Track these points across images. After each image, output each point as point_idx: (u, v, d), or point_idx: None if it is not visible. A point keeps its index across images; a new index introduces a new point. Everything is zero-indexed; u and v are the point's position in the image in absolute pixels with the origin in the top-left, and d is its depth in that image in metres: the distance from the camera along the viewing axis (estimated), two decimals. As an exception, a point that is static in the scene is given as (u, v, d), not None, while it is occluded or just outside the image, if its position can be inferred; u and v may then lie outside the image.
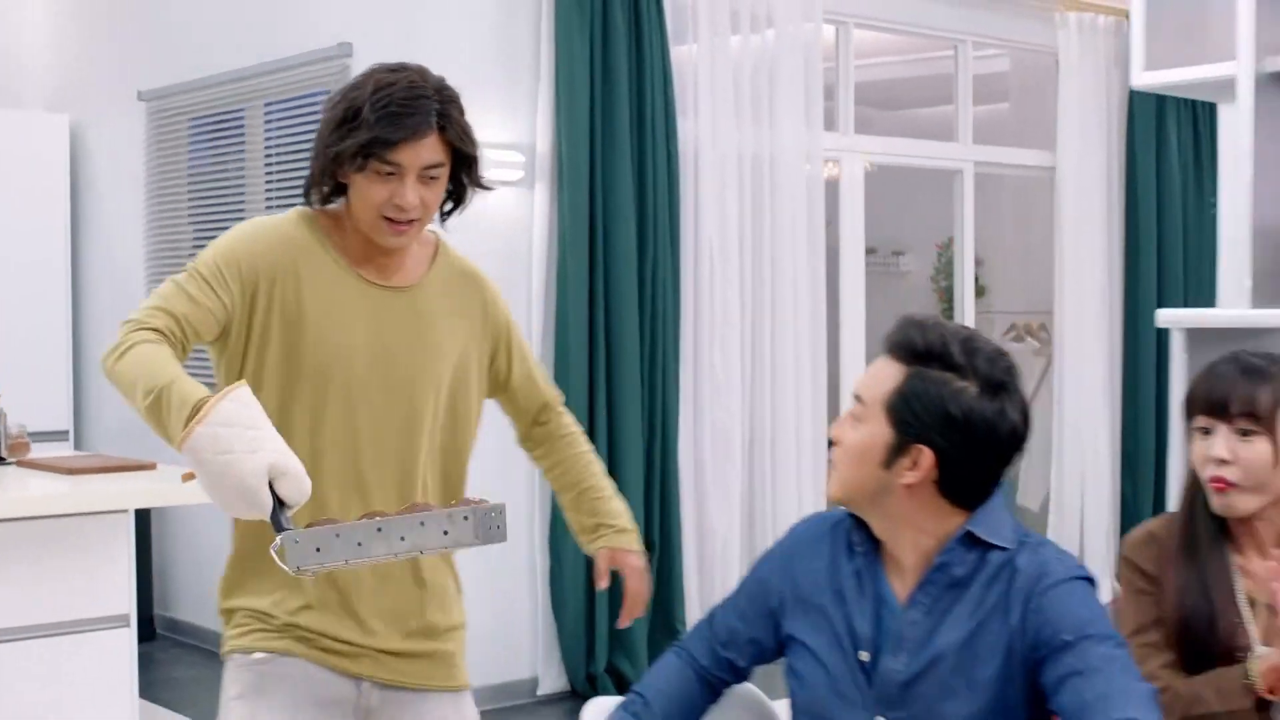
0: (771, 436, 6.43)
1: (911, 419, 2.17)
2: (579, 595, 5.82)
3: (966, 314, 7.55)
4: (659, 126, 5.93)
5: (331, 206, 2.57)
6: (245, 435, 2.14)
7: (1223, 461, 2.45)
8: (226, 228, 7.52)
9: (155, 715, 5.50)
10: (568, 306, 5.78)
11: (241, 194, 6.64)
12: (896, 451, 2.19)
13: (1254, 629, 2.45)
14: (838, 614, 2.26)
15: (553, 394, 2.86)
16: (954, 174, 7.46)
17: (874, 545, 2.28)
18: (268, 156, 6.47)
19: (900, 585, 2.25)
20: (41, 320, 7.37)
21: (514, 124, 5.84)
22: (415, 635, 2.63)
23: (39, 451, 5.56)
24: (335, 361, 2.52)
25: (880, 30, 7.22)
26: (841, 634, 2.25)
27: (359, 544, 2.12)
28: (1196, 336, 3.41)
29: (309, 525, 2.13)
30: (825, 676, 2.25)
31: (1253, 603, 2.47)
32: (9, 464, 5.09)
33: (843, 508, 2.33)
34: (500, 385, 2.76)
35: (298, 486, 2.15)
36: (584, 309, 5.80)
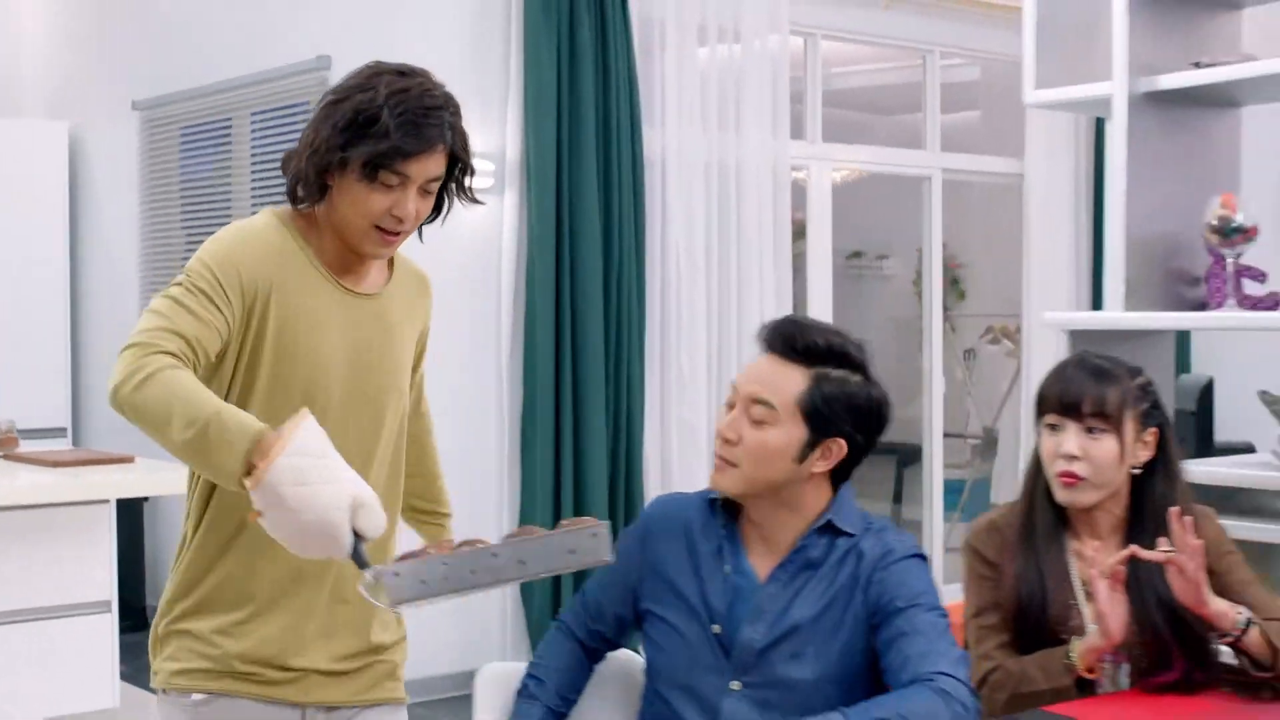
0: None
1: (830, 416, 2.42)
2: (545, 582, 6.04)
3: (934, 317, 7.75)
4: (624, 135, 6.16)
5: (304, 208, 2.46)
6: (320, 465, 2.04)
7: (1073, 457, 2.65)
8: (216, 231, 7.72)
9: (141, 699, 5.73)
10: (535, 307, 6.01)
11: (229, 200, 6.90)
12: (811, 446, 2.43)
13: (1087, 611, 2.66)
14: (693, 589, 2.49)
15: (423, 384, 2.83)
16: (922, 181, 7.66)
17: (735, 526, 2.52)
18: (254, 163, 6.73)
19: (759, 563, 2.48)
20: (41, 321, 7.65)
21: (485, 133, 6.08)
22: (361, 654, 2.53)
23: (38, 447, 5.79)
24: (322, 376, 2.40)
25: (848, 41, 7.44)
26: (697, 608, 2.48)
27: (471, 572, 2.05)
28: (1079, 337, 3.64)
29: (401, 558, 2.06)
30: (683, 646, 2.48)
31: (1087, 586, 2.68)
32: (-2, 457, 5.35)
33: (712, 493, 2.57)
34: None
35: (376, 518, 2.06)
36: (551, 310, 6.03)
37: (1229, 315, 3.47)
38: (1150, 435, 2.69)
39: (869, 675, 2.42)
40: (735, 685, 2.42)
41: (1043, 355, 7.61)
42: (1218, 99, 3.68)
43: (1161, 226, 3.61)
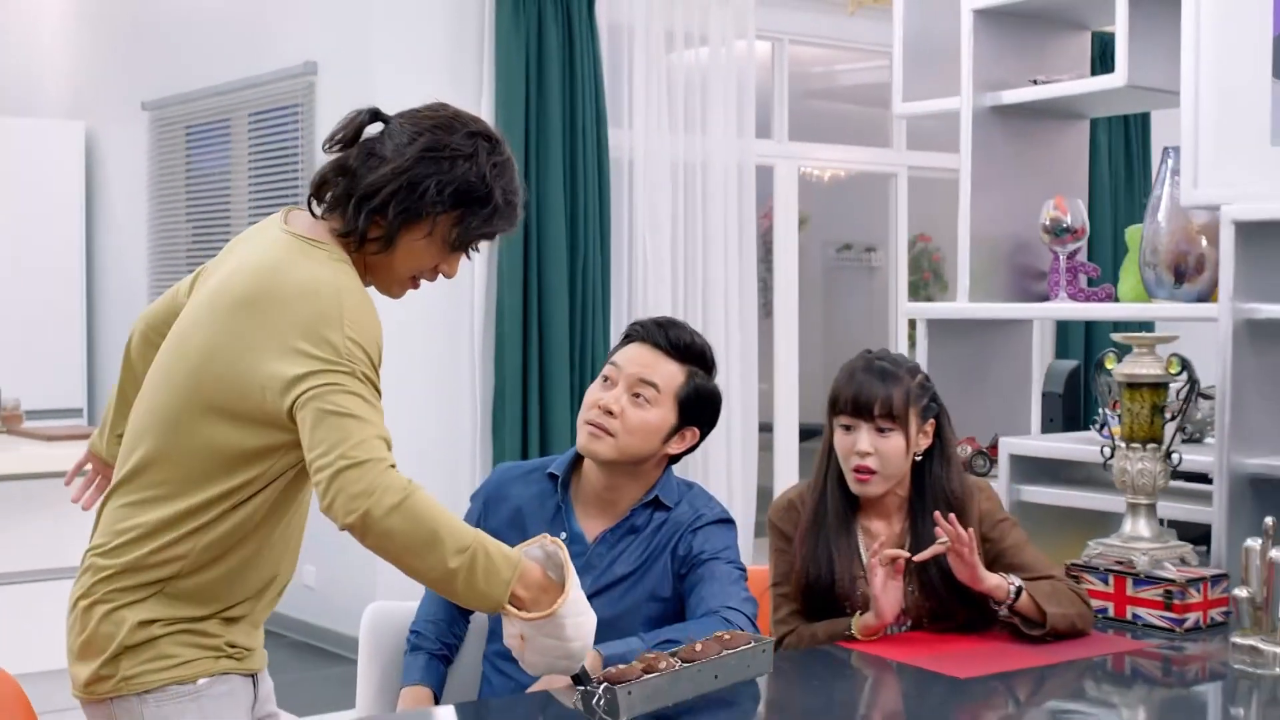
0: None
1: (696, 409, 2.86)
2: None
3: (900, 308, 8.12)
4: (590, 136, 6.58)
5: (373, 252, 2.40)
6: (582, 595, 2.24)
7: (866, 454, 2.96)
8: (217, 225, 8.09)
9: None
10: (504, 300, 6.44)
11: (228, 194, 7.37)
12: (675, 430, 2.86)
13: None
14: None
15: None
16: (889, 178, 8.03)
17: (568, 495, 2.92)
18: (251, 161, 7.20)
19: (587, 526, 2.90)
20: (59, 308, 8.18)
21: (459, 134, 6.50)
22: None
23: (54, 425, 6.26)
24: None
25: (814, 45, 7.81)
26: None
27: (683, 686, 2.34)
28: (934, 326, 4.03)
29: (614, 677, 2.27)
30: None
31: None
32: (1, 433, 5.84)
33: (522, 461, 3.03)
34: None
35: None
36: (519, 301, 6.45)
37: (1060, 306, 3.84)
38: (929, 426, 3.01)
39: (671, 617, 2.84)
40: None
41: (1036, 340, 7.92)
42: (1062, 112, 4.06)
43: (1007, 227, 3.98)
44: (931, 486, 3.01)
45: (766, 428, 7.54)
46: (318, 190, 2.39)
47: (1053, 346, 7.88)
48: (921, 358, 4.01)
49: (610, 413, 2.83)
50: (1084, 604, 2.99)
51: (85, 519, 5.20)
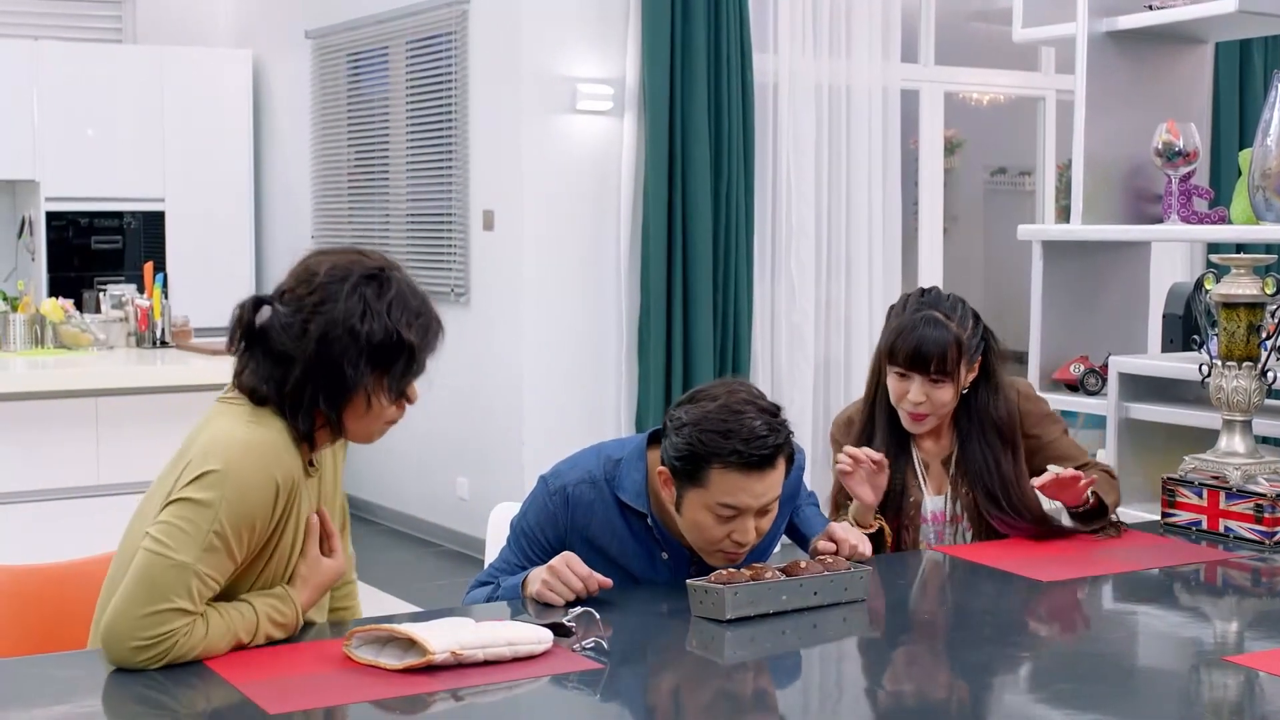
0: (845, 339, 7.21)
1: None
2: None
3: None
4: (734, 61, 6.69)
5: None
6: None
7: (918, 403, 3.10)
8: (377, 149, 8.48)
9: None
10: (650, 220, 6.61)
11: (388, 119, 7.63)
12: None
13: (926, 486, 3.18)
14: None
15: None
16: (1036, 101, 8.01)
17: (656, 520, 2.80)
18: (408, 88, 7.44)
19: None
20: (230, 230, 8.55)
21: (606, 61, 6.68)
22: None
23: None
24: None
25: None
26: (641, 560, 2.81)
27: (783, 597, 2.53)
28: (1049, 247, 4.11)
29: (721, 579, 2.49)
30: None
31: (926, 465, 3.19)
32: (171, 347, 6.19)
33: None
34: None
35: None
36: (664, 222, 6.62)
37: (1169, 228, 3.90)
38: (976, 363, 3.15)
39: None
40: None
41: (1170, 263, 7.85)
42: (1181, 36, 4.09)
43: (1123, 150, 4.03)
44: (978, 410, 3.16)
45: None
46: (252, 395, 2.41)
47: (1189, 271, 7.81)
48: (1036, 278, 4.11)
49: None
50: (1115, 480, 3.23)
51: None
